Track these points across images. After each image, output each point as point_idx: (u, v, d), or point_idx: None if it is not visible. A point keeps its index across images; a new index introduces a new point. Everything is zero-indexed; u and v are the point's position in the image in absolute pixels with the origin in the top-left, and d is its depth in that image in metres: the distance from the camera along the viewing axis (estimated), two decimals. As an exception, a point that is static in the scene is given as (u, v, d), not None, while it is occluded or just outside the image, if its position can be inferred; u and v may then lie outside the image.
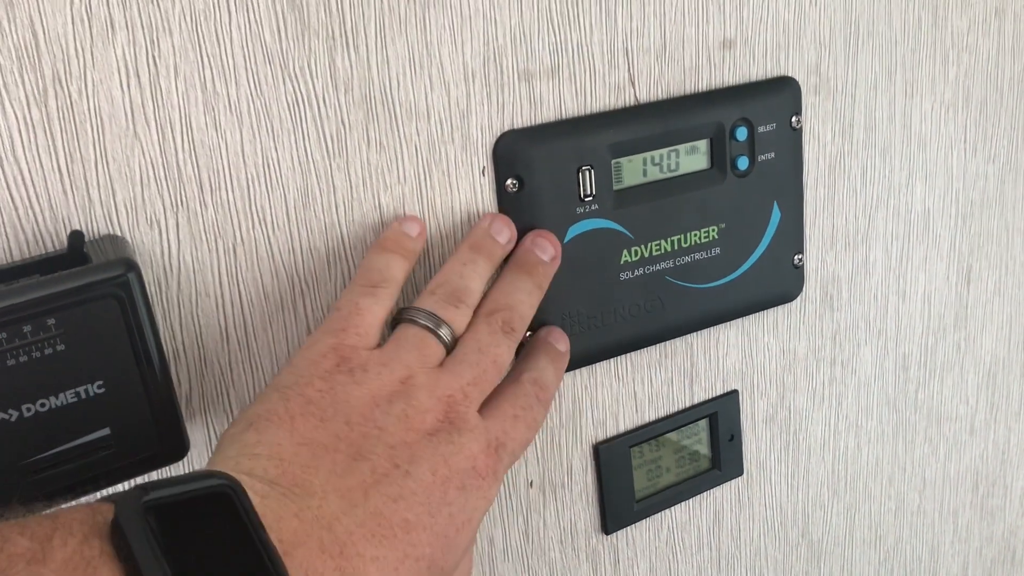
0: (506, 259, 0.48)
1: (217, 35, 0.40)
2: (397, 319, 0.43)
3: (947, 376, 0.71)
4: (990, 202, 0.68)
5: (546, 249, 0.48)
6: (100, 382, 0.37)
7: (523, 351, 0.49)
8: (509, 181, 0.49)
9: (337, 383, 0.38)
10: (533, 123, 0.49)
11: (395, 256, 0.44)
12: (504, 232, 0.47)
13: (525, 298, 0.46)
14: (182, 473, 0.32)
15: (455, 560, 0.38)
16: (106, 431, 0.38)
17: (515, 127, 0.48)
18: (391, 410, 0.38)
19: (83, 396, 0.37)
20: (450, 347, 0.42)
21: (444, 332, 0.42)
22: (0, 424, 0.36)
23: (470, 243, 0.46)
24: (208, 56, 0.40)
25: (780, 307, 0.61)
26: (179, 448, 0.40)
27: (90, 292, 0.36)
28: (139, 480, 0.40)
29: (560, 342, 0.50)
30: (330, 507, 0.34)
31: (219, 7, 0.40)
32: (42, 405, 0.36)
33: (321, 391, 0.38)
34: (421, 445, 0.38)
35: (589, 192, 0.51)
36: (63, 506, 0.29)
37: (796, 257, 0.59)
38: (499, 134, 0.48)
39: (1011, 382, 0.75)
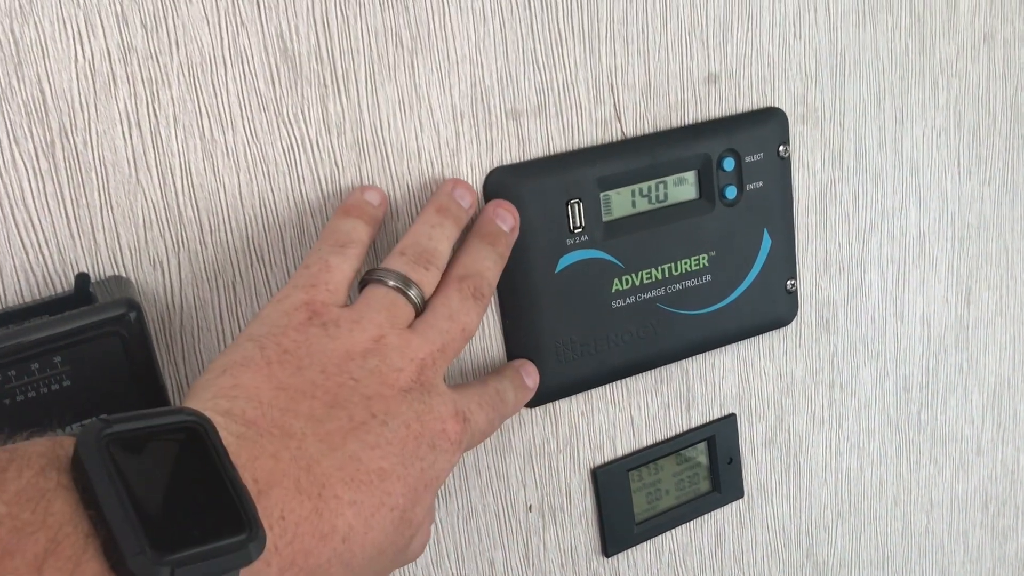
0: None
1: (214, 86, 0.43)
2: (366, 279, 0.43)
3: (950, 397, 0.72)
4: (987, 224, 0.69)
5: (506, 219, 0.49)
6: (104, 415, 0.40)
7: (495, 370, 0.51)
8: (499, 216, 0.50)
9: (311, 335, 0.39)
10: (522, 159, 0.51)
11: (359, 220, 0.44)
12: (467, 197, 0.48)
13: (491, 265, 0.46)
14: (149, 409, 0.32)
15: (420, 517, 0.39)
16: (111, 462, 0.40)
17: (504, 164, 0.50)
18: (365, 364, 0.39)
19: (100, 418, 0.39)
20: (420, 308, 0.43)
21: (414, 293, 0.42)
22: (11, 456, 0.38)
23: (436, 206, 0.46)
24: (206, 106, 0.43)
25: (776, 331, 0.62)
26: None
27: (94, 331, 0.39)
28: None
29: (529, 377, 0.51)
30: (309, 449, 0.35)
31: (215, 60, 0.42)
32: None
33: (296, 341, 0.38)
34: (396, 400, 0.38)
35: (579, 224, 0.52)
36: (24, 441, 0.29)
37: (789, 282, 0.60)
38: (488, 171, 0.50)
39: (1017, 402, 0.76)
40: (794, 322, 0.62)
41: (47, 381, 0.38)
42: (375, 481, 0.36)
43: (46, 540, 0.26)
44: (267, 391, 0.36)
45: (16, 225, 0.40)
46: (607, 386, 0.57)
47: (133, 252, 0.43)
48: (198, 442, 0.31)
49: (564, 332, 0.54)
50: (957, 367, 0.71)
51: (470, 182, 0.50)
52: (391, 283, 0.42)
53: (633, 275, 0.55)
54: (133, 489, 0.28)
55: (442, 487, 0.53)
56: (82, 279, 0.41)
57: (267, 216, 0.45)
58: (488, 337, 0.53)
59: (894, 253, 0.65)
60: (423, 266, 0.43)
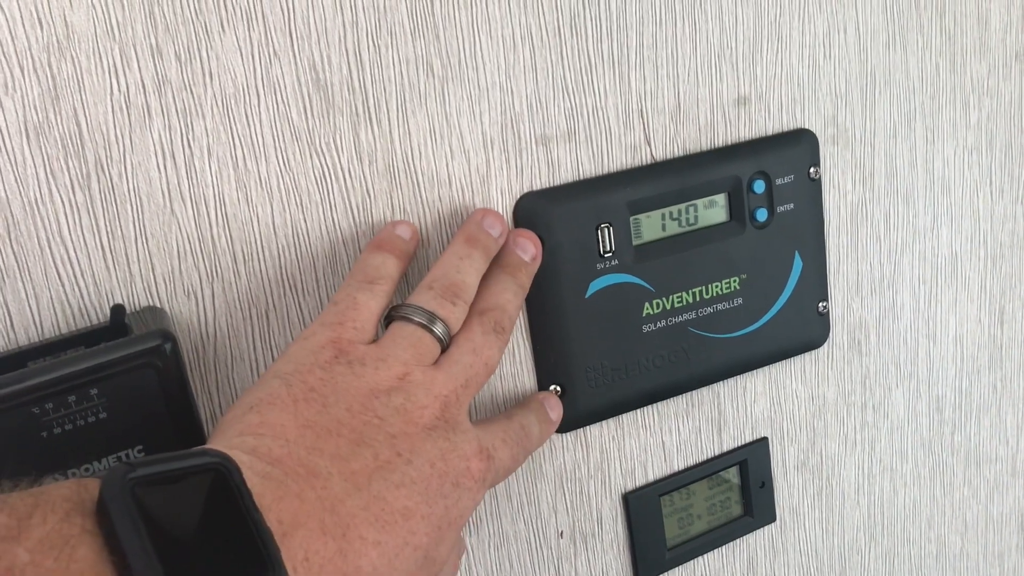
0: None
1: (247, 117, 0.43)
2: (393, 315, 0.43)
3: (984, 418, 0.71)
4: (1020, 243, 0.68)
5: (527, 248, 0.49)
6: (140, 447, 0.40)
7: (519, 403, 0.51)
8: (530, 241, 0.50)
9: (337, 373, 0.39)
10: (552, 184, 0.51)
11: (390, 255, 0.44)
12: (497, 227, 0.48)
13: (512, 298, 0.46)
14: (173, 452, 0.32)
15: (444, 555, 0.39)
16: (147, 493, 0.40)
17: (534, 189, 0.50)
18: (390, 402, 0.39)
19: (124, 460, 0.39)
20: (445, 344, 0.43)
21: (439, 330, 0.42)
22: (48, 488, 0.38)
23: (465, 236, 0.46)
24: (239, 137, 0.43)
25: (808, 353, 0.61)
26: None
27: (130, 362, 0.39)
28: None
29: (553, 410, 0.51)
30: (334, 489, 0.35)
31: (248, 91, 0.43)
32: (86, 470, 0.39)
33: (322, 379, 0.38)
34: (420, 438, 0.38)
35: (609, 248, 0.52)
36: (50, 484, 0.29)
37: (820, 304, 0.60)
38: (519, 196, 0.50)
39: (1052, 422, 0.75)
40: (826, 344, 0.62)
41: (84, 413, 0.38)
42: (399, 521, 0.36)
43: None
44: (293, 429, 0.36)
45: (53, 257, 0.41)
46: (638, 411, 0.57)
47: (168, 283, 0.43)
48: (222, 483, 0.31)
49: (595, 357, 0.53)
50: (991, 387, 0.70)
51: (500, 208, 0.50)
52: (417, 320, 0.42)
53: (664, 299, 0.54)
54: (157, 533, 0.28)
55: (473, 514, 0.53)
56: (118, 310, 0.41)
57: (300, 245, 0.45)
58: (520, 362, 0.52)
59: (926, 273, 0.65)
60: (451, 301, 0.43)
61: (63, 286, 0.41)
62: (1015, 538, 0.76)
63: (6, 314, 0.41)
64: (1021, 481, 0.75)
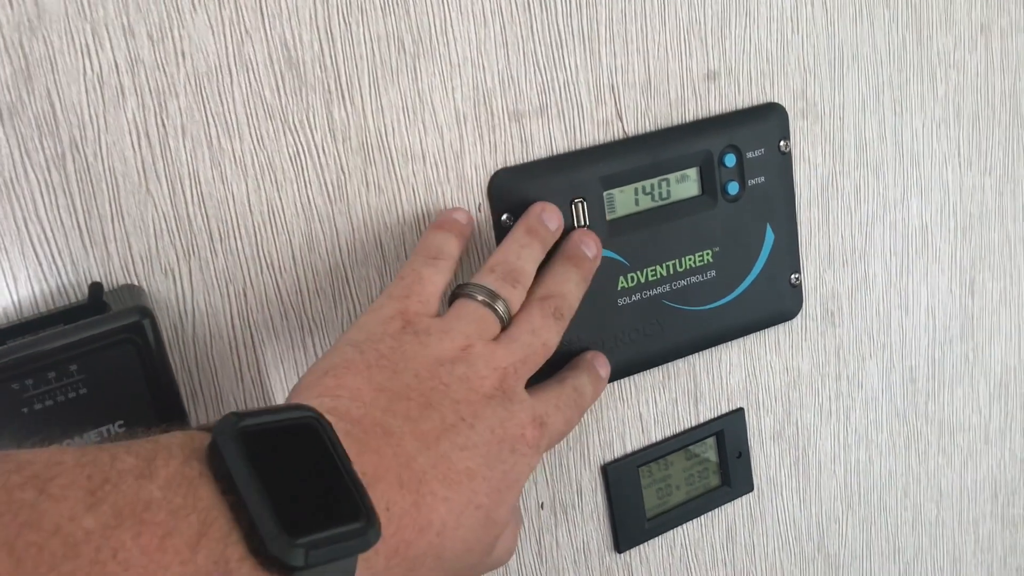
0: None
1: (220, 95, 0.43)
2: (457, 293, 0.45)
3: (957, 387, 0.72)
4: (989, 214, 0.69)
5: (591, 247, 0.51)
6: (120, 422, 0.40)
7: (569, 364, 0.52)
8: (504, 216, 0.51)
9: (405, 342, 0.41)
10: (525, 160, 0.51)
11: (451, 235, 0.46)
12: (554, 220, 0.50)
13: (573, 288, 0.48)
14: (270, 405, 0.34)
15: (504, 518, 0.41)
16: (128, 468, 0.41)
17: (508, 165, 0.51)
18: (454, 371, 0.41)
19: (105, 436, 0.40)
20: (506, 322, 0.45)
21: (501, 308, 0.44)
22: (30, 464, 0.39)
23: (525, 227, 0.49)
24: (213, 115, 0.43)
25: (781, 325, 0.62)
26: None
27: (108, 339, 0.39)
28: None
29: (603, 368, 0.53)
30: (407, 447, 0.37)
31: (221, 69, 0.43)
32: (67, 446, 0.39)
33: (392, 347, 0.41)
34: (481, 405, 0.41)
35: (583, 223, 0.53)
36: (162, 435, 0.31)
37: (793, 276, 0.61)
38: (493, 172, 0.50)
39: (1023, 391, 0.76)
40: (799, 316, 0.63)
41: (64, 389, 0.39)
42: (464, 480, 0.38)
43: (199, 523, 0.28)
44: (368, 392, 0.38)
45: (30, 237, 0.41)
46: (615, 383, 0.57)
47: (145, 261, 0.44)
48: (316, 437, 0.33)
49: (571, 331, 0.54)
50: (963, 357, 0.72)
51: (474, 184, 0.50)
52: (480, 297, 0.44)
53: (638, 273, 0.55)
54: (265, 478, 0.30)
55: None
56: (96, 288, 0.41)
57: (275, 223, 0.46)
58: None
59: (897, 245, 0.66)
60: (511, 284, 0.46)
61: (40, 265, 0.42)
62: (988, 505, 0.77)
63: (-16, 293, 0.41)
64: (994, 449, 0.76)
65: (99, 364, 0.39)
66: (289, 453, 0.32)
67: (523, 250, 0.48)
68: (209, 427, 0.31)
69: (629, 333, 0.56)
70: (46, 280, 0.42)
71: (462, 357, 0.42)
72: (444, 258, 0.45)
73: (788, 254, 0.60)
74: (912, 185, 0.65)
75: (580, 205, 0.52)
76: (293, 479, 0.31)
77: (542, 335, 0.45)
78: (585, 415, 0.56)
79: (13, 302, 0.41)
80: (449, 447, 0.39)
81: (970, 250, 0.69)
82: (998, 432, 0.76)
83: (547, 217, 0.50)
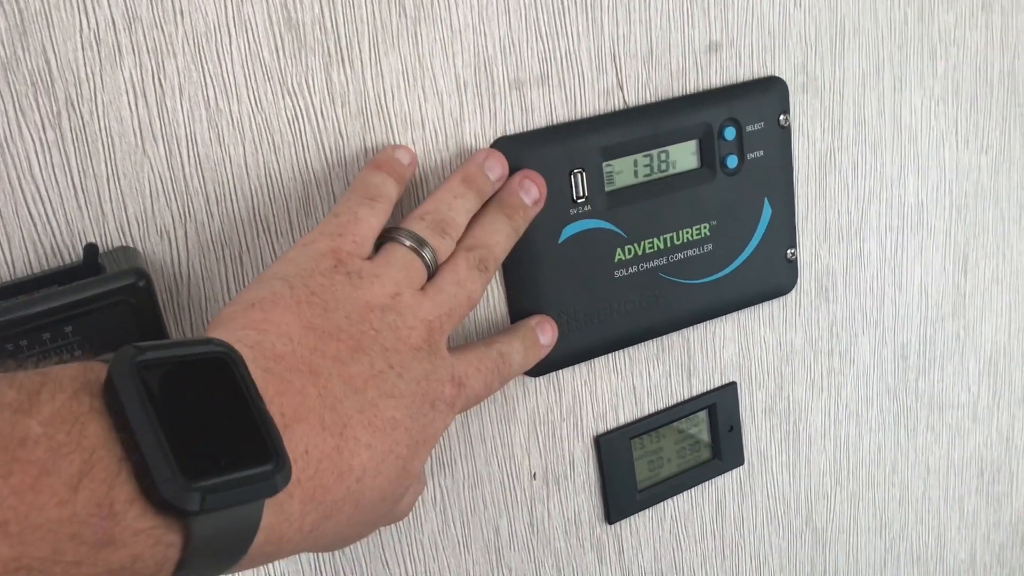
0: None
1: (219, 55, 0.43)
2: (385, 237, 0.44)
3: (947, 364, 0.72)
4: (984, 193, 0.69)
5: (530, 192, 0.49)
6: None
7: (508, 327, 0.52)
8: (503, 185, 0.51)
9: (336, 282, 0.40)
10: (525, 129, 0.51)
11: (389, 177, 0.45)
12: (496, 169, 0.49)
13: (502, 240, 0.47)
14: (179, 339, 0.31)
15: (417, 470, 0.40)
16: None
17: (507, 134, 0.50)
18: (384, 318, 0.40)
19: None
20: (432, 271, 0.44)
21: (428, 256, 0.44)
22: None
23: (463, 176, 0.47)
24: (210, 75, 0.43)
25: (776, 300, 0.62)
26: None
27: (104, 300, 0.39)
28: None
29: (545, 334, 0.52)
30: (334, 390, 0.36)
31: (220, 29, 0.42)
32: (62, 407, 0.39)
33: (323, 285, 0.39)
34: (408, 356, 0.40)
35: (582, 194, 0.52)
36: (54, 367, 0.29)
37: (789, 251, 0.61)
38: (492, 141, 0.50)
39: (1013, 369, 0.76)
40: (794, 291, 0.63)
41: (58, 350, 0.38)
42: (387, 429, 0.37)
43: (81, 461, 0.26)
44: (297, 329, 0.37)
45: (24, 196, 0.40)
46: (609, 355, 0.57)
47: (140, 223, 0.43)
48: (227, 373, 0.31)
49: (567, 302, 0.54)
50: (954, 335, 0.72)
51: (474, 152, 0.50)
52: (408, 243, 0.43)
53: (635, 245, 0.55)
54: (163, 415, 0.28)
55: (448, 455, 0.54)
56: (91, 249, 0.41)
57: (272, 186, 0.45)
58: (492, 307, 0.53)
59: (893, 222, 0.66)
60: (439, 233, 0.45)
61: (35, 225, 0.41)
62: (975, 482, 0.78)
63: (-23, 253, 0.40)
64: (981, 427, 0.77)
65: (94, 325, 0.39)
66: (196, 390, 0.30)
67: (455, 200, 0.46)
68: (108, 359, 0.29)
69: (624, 305, 0.56)
70: (40, 241, 0.41)
71: (392, 305, 0.41)
72: (381, 200, 0.44)
73: (785, 229, 0.60)
74: (909, 162, 0.65)
75: (579, 175, 0.52)
76: (198, 418, 0.29)
77: (467, 287, 0.44)
78: (578, 386, 0.57)
79: (6, 262, 0.41)
80: (376, 394, 0.38)
81: (964, 228, 0.69)
82: (986, 410, 0.76)
83: (489, 166, 0.48)
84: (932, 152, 0.66)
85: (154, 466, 0.27)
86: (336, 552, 0.52)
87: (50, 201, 0.41)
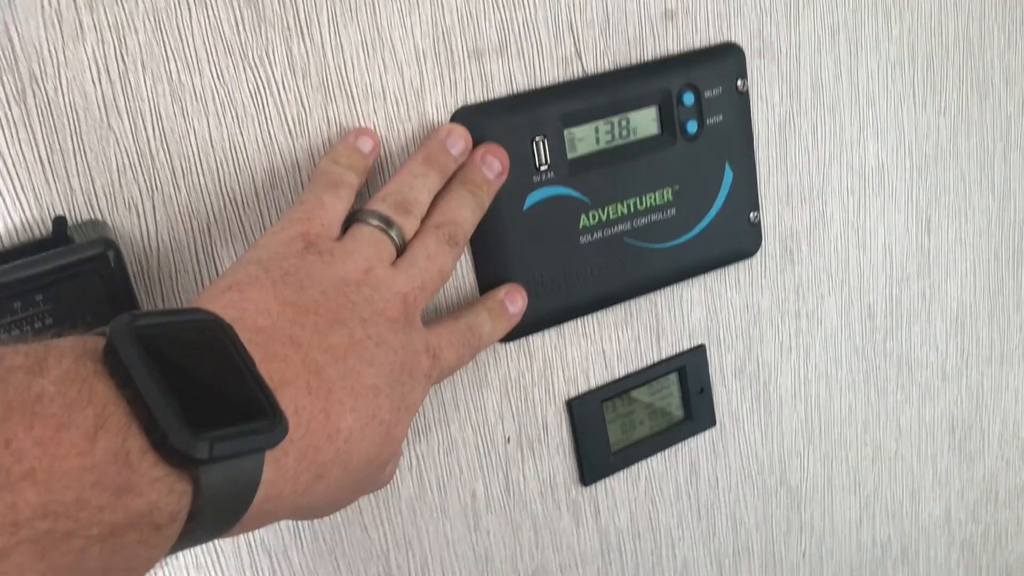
0: None
1: (179, 31, 0.44)
2: (350, 219, 0.45)
3: (914, 324, 0.74)
4: (944, 154, 0.71)
5: (492, 166, 0.50)
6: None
7: (473, 300, 0.53)
8: (466, 154, 0.52)
9: (309, 261, 0.41)
10: (486, 99, 0.52)
11: (349, 169, 0.46)
12: (459, 145, 0.49)
13: (468, 215, 0.49)
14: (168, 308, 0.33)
15: (400, 437, 0.42)
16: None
17: (468, 103, 0.52)
18: (360, 291, 0.41)
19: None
20: (400, 249, 0.45)
21: (395, 233, 0.45)
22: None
23: (424, 155, 0.48)
24: (172, 51, 0.44)
25: (741, 263, 0.64)
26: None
27: (74, 269, 0.40)
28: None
29: (514, 303, 0.53)
30: (316, 358, 0.37)
31: (180, 5, 0.43)
32: (35, 374, 0.40)
33: (296, 266, 0.41)
34: (385, 327, 0.41)
35: (544, 161, 0.54)
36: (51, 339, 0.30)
37: (752, 214, 0.62)
38: (454, 111, 0.51)
39: (979, 328, 0.78)
40: (759, 254, 0.64)
41: (30, 320, 0.39)
42: (369, 395, 0.39)
43: (94, 416, 0.27)
44: (275, 305, 0.38)
45: (-8, 171, 0.41)
46: (578, 320, 0.59)
47: (108, 196, 0.44)
48: (216, 338, 0.32)
49: (534, 268, 0.55)
50: (920, 294, 0.73)
51: (436, 122, 0.51)
52: (374, 222, 0.45)
53: (600, 210, 0.56)
54: (162, 374, 0.29)
55: (422, 422, 0.55)
56: (60, 222, 0.42)
57: (238, 159, 0.46)
58: (461, 276, 0.54)
59: (854, 184, 0.67)
60: (403, 212, 0.46)
61: (3, 200, 0.42)
62: (946, 440, 0.80)
63: (-52, 228, 0.41)
64: (951, 385, 0.78)
65: (65, 295, 0.40)
66: (189, 355, 0.31)
67: (416, 180, 0.47)
68: (102, 332, 0.30)
69: (591, 270, 0.57)
70: (9, 215, 0.42)
71: (365, 280, 0.42)
72: (344, 187, 0.45)
73: (747, 192, 0.61)
74: (868, 125, 0.66)
75: (542, 143, 0.53)
76: (194, 379, 0.30)
77: (437, 260, 0.46)
78: (548, 351, 0.58)
79: (-23, 236, 0.42)
80: (357, 361, 0.39)
81: (926, 189, 0.71)
82: (955, 369, 0.78)
83: (451, 142, 0.49)
84: (891, 115, 0.67)
85: (162, 418, 0.28)
86: (316, 520, 0.53)
87: (18, 176, 0.42)
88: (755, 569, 0.72)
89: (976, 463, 0.83)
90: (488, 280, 0.55)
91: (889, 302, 0.72)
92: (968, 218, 0.74)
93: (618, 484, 0.63)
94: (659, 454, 0.64)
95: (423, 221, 0.47)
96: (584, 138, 0.55)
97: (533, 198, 0.54)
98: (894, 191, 0.69)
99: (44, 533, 0.26)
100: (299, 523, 0.52)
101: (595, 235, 0.56)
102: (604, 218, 0.56)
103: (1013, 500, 0.87)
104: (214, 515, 0.31)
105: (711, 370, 0.65)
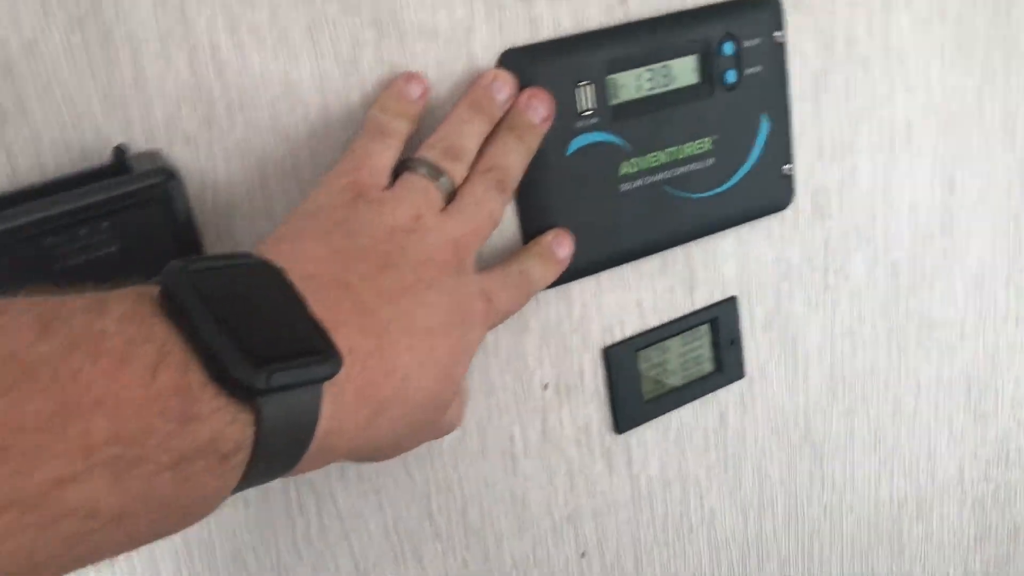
0: None
1: (237, -38, 0.44)
2: (399, 168, 0.45)
3: (936, 282, 0.75)
4: (969, 113, 0.71)
5: (538, 110, 0.50)
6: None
7: (522, 247, 0.53)
8: (512, 97, 0.52)
9: (359, 210, 0.42)
10: (532, 42, 0.52)
11: (399, 115, 0.47)
12: (504, 90, 0.50)
13: (516, 160, 0.49)
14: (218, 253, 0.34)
15: (460, 377, 0.42)
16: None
17: (515, 46, 0.52)
18: (409, 238, 0.42)
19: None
20: (449, 196, 0.45)
21: (443, 181, 0.45)
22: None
23: (470, 101, 0.49)
24: (230, -18, 0.44)
25: (773, 217, 0.64)
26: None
27: (138, 197, 0.40)
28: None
29: (561, 248, 0.53)
30: (368, 301, 0.37)
31: (238, -64, 0.43)
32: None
33: (346, 216, 0.41)
34: (438, 270, 0.41)
35: (588, 107, 0.54)
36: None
37: (785, 167, 0.62)
38: (500, 52, 0.51)
39: (997, 288, 0.79)
40: (790, 208, 0.64)
41: (95, 246, 0.39)
42: (424, 337, 0.39)
43: (155, 351, 0.28)
44: (324, 253, 0.39)
45: (53, 99, 0.41)
46: (615, 269, 0.59)
47: (166, 128, 0.44)
48: (268, 279, 0.33)
49: (576, 214, 0.55)
50: (942, 253, 0.74)
51: (482, 63, 0.51)
52: (422, 171, 0.45)
53: (640, 158, 0.56)
54: (218, 315, 0.30)
55: (464, 365, 0.55)
56: (120, 151, 0.42)
57: (291, 94, 0.46)
58: (505, 221, 0.54)
59: (883, 141, 0.68)
60: (451, 159, 0.46)
61: (64, 128, 0.42)
62: (962, 399, 0.81)
63: (9, 156, 0.41)
64: (969, 344, 0.79)
65: (129, 222, 0.40)
66: (242, 297, 0.32)
67: (464, 126, 0.48)
68: (158, 281, 0.31)
69: (631, 218, 0.57)
70: (70, 144, 0.42)
71: (415, 226, 0.42)
72: (392, 135, 0.46)
73: (781, 145, 0.62)
74: (899, 82, 0.67)
75: (586, 89, 0.53)
76: (248, 320, 0.31)
77: (486, 206, 0.46)
78: (587, 299, 0.58)
79: (38, 164, 0.42)
80: (410, 303, 0.39)
81: (950, 148, 0.71)
82: (972, 329, 0.79)
83: (497, 87, 0.49)
84: (920, 72, 0.68)
85: (220, 351, 0.29)
86: (363, 464, 0.53)
87: (78, 104, 0.42)
88: (779, 522, 0.73)
89: (989, 423, 0.84)
90: (532, 227, 0.55)
91: (912, 260, 0.72)
92: (991, 179, 0.74)
93: (650, 433, 0.63)
94: (689, 405, 0.65)
95: (472, 167, 0.48)
96: (626, 85, 0.55)
97: (576, 144, 0.54)
98: (920, 149, 0.70)
99: (116, 458, 0.27)
100: (344, 466, 0.53)
101: (635, 183, 0.57)
102: (644, 167, 0.57)
103: (1023, 460, 0.88)
104: (277, 448, 0.31)
105: (742, 322, 0.65)
